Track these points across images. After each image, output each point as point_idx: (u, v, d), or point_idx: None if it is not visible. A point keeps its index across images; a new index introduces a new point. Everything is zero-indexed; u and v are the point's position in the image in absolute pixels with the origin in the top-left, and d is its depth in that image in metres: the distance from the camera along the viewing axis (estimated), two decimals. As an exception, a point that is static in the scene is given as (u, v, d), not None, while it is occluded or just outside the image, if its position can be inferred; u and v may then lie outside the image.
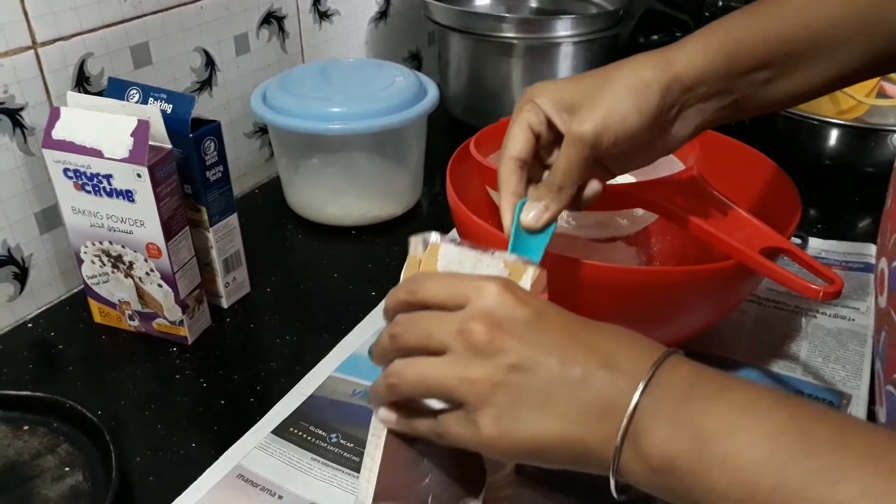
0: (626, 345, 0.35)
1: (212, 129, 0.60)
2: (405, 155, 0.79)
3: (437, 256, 0.39)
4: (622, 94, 0.43)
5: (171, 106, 0.58)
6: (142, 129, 0.54)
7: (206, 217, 0.62)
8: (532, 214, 0.44)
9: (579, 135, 0.43)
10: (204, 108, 0.78)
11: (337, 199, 0.78)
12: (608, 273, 0.50)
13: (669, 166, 0.64)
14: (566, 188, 0.44)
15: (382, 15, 1.00)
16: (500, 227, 0.58)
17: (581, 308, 0.54)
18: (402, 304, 0.38)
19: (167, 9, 0.70)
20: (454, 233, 0.39)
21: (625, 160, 0.48)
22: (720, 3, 0.99)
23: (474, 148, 0.62)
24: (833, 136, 0.86)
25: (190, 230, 0.62)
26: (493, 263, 0.39)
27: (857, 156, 0.87)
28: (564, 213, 0.59)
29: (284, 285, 0.70)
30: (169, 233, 0.57)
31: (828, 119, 0.85)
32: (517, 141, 0.46)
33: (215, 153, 0.61)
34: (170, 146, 0.56)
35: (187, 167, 0.60)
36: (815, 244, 0.76)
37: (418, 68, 1.12)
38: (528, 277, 0.38)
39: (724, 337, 0.62)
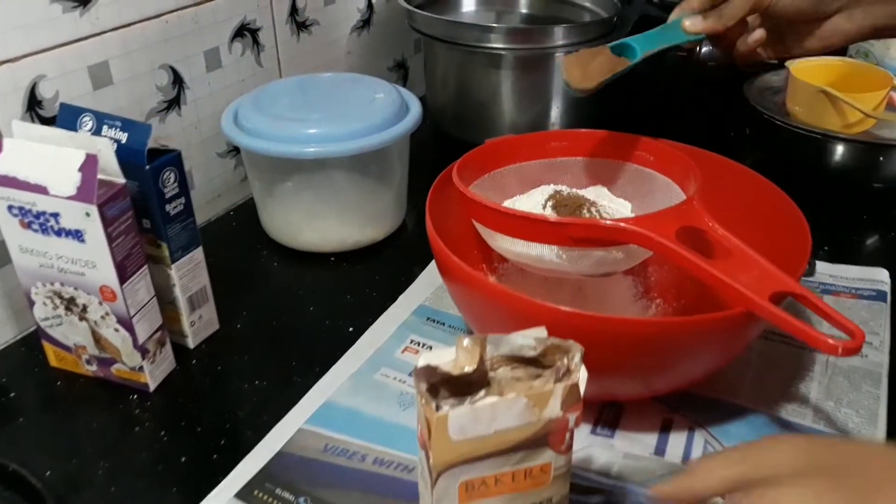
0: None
1: (170, 159, 0.55)
2: (387, 175, 0.75)
3: (448, 425, 0.36)
4: None
5: (126, 135, 0.54)
6: (90, 164, 0.49)
7: (167, 253, 0.57)
8: (690, 19, 0.58)
9: None
10: (172, 127, 0.73)
11: (314, 223, 0.73)
12: (604, 324, 0.46)
13: (668, 195, 0.60)
14: (726, 16, 0.56)
15: (365, 23, 0.96)
16: (488, 260, 0.53)
17: (588, 361, 0.50)
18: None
19: (128, 24, 0.66)
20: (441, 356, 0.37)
21: (790, 34, 0.59)
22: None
23: (457, 175, 0.58)
24: (839, 151, 0.82)
25: (151, 266, 0.57)
26: (513, 406, 0.36)
27: (864, 171, 0.83)
28: (556, 249, 0.55)
29: (256, 320, 0.66)
30: (124, 275, 0.53)
31: (833, 133, 0.81)
32: None
33: (175, 185, 0.56)
34: (123, 181, 0.52)
35: (145, 201, 0.55)
36: (822, 268, 0.72)
37: (405, 77, 1.07)
38: (556, 399, 0.36)
39: (727, 378, 0.57)
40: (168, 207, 0.56)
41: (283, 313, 0.67)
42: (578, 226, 0.51)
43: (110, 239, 0.51)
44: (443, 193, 0.60)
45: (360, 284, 0.70)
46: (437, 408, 0.35)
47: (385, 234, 0.77)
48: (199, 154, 0.76)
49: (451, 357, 0.37)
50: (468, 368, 0.37)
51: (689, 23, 0.58)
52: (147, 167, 0.53)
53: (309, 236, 0.74)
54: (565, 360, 0.37)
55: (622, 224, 0.50)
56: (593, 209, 0.59)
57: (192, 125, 0.75)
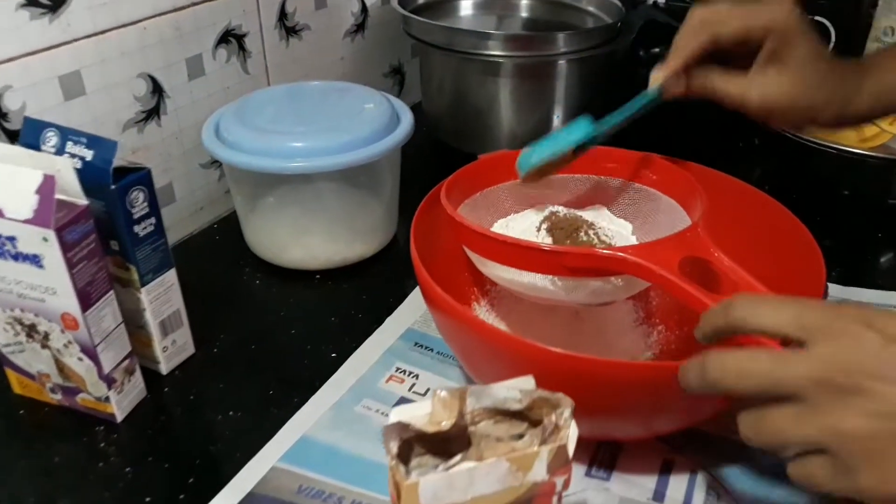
0: None
1: (139, 177, 0.52)
2: (377, 188, 0.71)
3: (418, 493, 0.32)
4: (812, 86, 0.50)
5: (91, 152, 0.50)
6: (47, 186, 0.46)
7: (136, 277, 0.54)
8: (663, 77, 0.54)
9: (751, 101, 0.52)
10: (151, 138, 0.69)
11: (300, 239, 0.70)
12: (600, 368, 0.42)
13: (671, 217, 0.56)
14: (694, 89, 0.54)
15: (359, 28, 0.92)
16: (480, 283, 0.49)
17: (582, 403, 0.46)
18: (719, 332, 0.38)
19: (103, 31, 0.62)
20: (413, 410, 0.33)
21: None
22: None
23: (446, 195, 0.54)
24: (853, 166, 0.78)
25: (119, 290, 0.54)
26: (492, 470, 0.33)
27: (879, 187, 0.79)
28: (550, 277, 0.51)
29: (234, 344, 0.62)
30: (87, 302, 0.49)
31: (848, 147, 0.77)
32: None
33: (145, 204, 0.53)
34: (84, 202, 0.48)
35: (112, 222, 0.52)
36: (834, 292, 0.68)
37: (401, 83, 1.04)
38: (541, 462, 0.33)
39: (734, 415, 0.53)
40: (137, 228, 0.53)
41: (263, 336, 0.63)
42: (573, 255, 0.47)
43: (70, 265, 0.48)
44: (431, 213, 0.56)
45: (345, 305, 0.67)
46: (407, 473, 0.32)
47: (375, 249, 0.73)
48: (180, 165, 0.73)
49: (426, 410, 0.34)
50: (445, 424, 0.33)
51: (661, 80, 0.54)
52: (113, 187, 0.50)
53: (294, 253, 0.70)
54: (553, 417, 0.34)
55: (620, 254, 0.46)
56: (591, 232, 0.55)
57: (172, 135, 0.72)
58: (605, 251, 0.46)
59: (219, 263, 0.72)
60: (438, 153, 0.93)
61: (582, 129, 0.53)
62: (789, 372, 0.33)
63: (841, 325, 0.33)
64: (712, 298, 0.42)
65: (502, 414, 0.35)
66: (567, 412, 0.34)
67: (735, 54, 0.51)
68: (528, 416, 0.35)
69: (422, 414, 0.34)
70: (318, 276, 0.70)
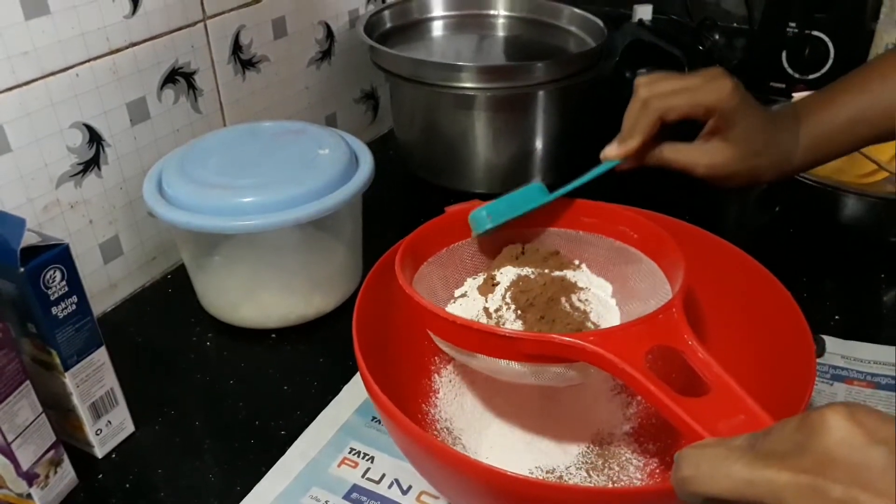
0: None
1: (54, 255, 0.47)
2: (337, 235, 0.66)
3: None
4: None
5: (-3, 229, 0.46)
6: (-61, 278, 0.41)
7: (58, 361, 0.49)
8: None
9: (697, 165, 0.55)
10: (91, 191, 0.64)
11: (252, 297, 0.65)
12: (559, 495, 0.37)
13: (652, 284, 0.51)
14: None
15: (325, 55, 0.87)
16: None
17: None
18: None
19: (26, 83, 0.57)
20: None
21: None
22: (716, 36, 0.85)
23: (401, 262, 0.49)
24: (853, 204, 0.72)
25: (42, 373, 0.49)
26: None
27: (881, 226, 0.73)
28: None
29: (178, 420, 0.57)
30: (-6, 399, 0.45)
31: (845, 186, 0.71)
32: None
33: (63, 283, 0.48)
34: (-14, 291, 0.43)
35: (26, 304, 0.47)
36: (833, 347, 0.63)
37: (375, 109, 0.98)
38: None
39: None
40: (55, 310, 0.48)
41: (209, 410, 0.58)
42: (529, 342, 0.42)
43: (-29, 361, 0.43)
44: (387, 273, 0.51)
45: (300, 371, 0.62)
46: None
47: (337, 302, 0.68)
48: (126, 217, 0.68)
49: None
50: None
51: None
52: (21, 269, 0.45)
53: (246, 312, 0.65)
54: None
55: (579, 342, 0.41)
56: (563, 298, 0.49)
57: (116, 186, 0.66)
58: (563, 339, 0.41)
59: (169, 322, 0.67)
60: (413, 184, 0.87)
61: (537, 197, 0.54)
62: (767, 476, 0.28)
63: (817, 424, 0.28)
64: (679, 402, 0.37)
65: None
66: None
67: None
68: None
69: None
70: (273, 336, 0.65)
